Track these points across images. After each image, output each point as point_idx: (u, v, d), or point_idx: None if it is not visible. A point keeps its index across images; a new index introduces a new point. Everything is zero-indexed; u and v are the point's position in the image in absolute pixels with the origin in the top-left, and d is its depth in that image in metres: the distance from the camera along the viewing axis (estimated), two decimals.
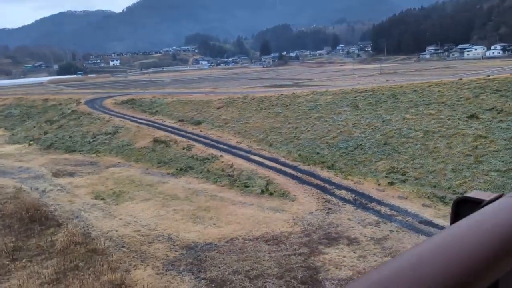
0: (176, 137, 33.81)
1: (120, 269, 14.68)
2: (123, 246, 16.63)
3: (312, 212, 19.15)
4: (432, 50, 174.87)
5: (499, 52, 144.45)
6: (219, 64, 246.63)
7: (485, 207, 0.86)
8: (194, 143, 31.93)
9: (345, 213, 18.91)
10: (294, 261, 14.69)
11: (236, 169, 25.79)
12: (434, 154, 23.65)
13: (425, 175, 22.16)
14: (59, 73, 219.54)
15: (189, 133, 35.64)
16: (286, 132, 31.90)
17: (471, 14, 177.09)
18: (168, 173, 27.60)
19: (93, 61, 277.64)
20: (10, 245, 16.94)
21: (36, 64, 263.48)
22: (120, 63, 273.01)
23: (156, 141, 33.27)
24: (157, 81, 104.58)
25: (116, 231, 18.25)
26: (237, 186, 23.70)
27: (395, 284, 0.57)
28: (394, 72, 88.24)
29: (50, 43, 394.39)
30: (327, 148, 27.97)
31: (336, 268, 14.11)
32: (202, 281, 13.79)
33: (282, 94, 40.43)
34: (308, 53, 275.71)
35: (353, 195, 21.08)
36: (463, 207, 0.91)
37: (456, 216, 0.91)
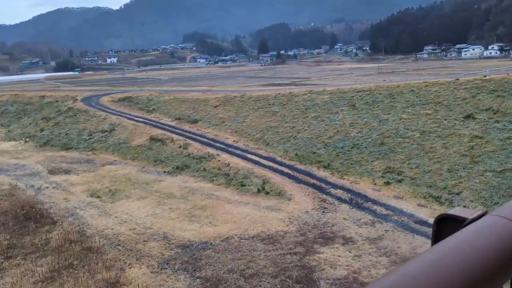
0: (173, 135, 33.74)
1: (115, 268, 14.65)
2: (118, 244, 16.60)
3: (308, 212, 19.16)
4: (430, 50, 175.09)
5: (496, 52, 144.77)
6: (216, 62, 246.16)
7: (468, 227, 0.82)
8: (190, 141, 31.89)
9: (341, 213, 18.92)
10: (290, 260, 14.69)
11: (233, 168, 25.77)
12: (430, 154, 23.70)
13: (421, 175, 22.20)
14: (56, 70, 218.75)
15: (186, 131, 35.58)
16: (283, 131, 31.89)
17: (469, 14, 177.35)
18: (164, 172, 27.56)
19: (90, 58, 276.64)
20: (4, 243, 16.88)
21: (33, 61, 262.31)
22: (117, 61, 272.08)
23: (152, 139, 33.21)
24: (154, 79, 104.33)
25: (112, 229, 18.21)
26: (234, 185, 23.68)
27: None
28: (392, 72, 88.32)
29: (47, 40, 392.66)
30: (324, 147, 27.98)
31: (331, 267, 14.12)
32: (197, 280, 13.78)
33: (279, 93, 40.41)
34: (306, 52, 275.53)
35: (349, 195, 21.10)
36: (445, 225, 0.88)
37: (438, 235, 0.88)
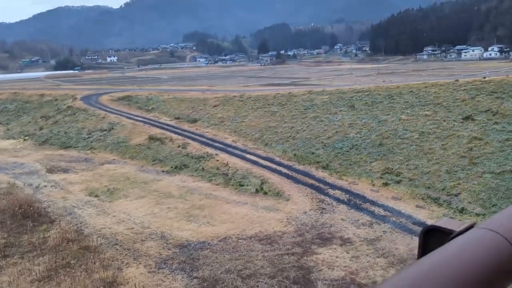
0: (172, 134, 33.72)
1: (112, 267, 14.63)
2: (116, 244, 16.57)
3: (306, 212, 19.14)
4: (430, 51, 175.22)
5: (496, 54, 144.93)
6: (216, 62, 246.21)
7: (456, 239, 0.80)
8: (189, 141, 31.86)
9: (339, 213, 18.91)
10: (287, 261, 14.67)
11: (231, 168, 25.75)
12: (429, 155, 23.68)
13: (419, 176, 22.19)
14: (56, 68, 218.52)
15: (185, 131, 35.55)
16: (281, 132, 31.87)
17: (469, 15, 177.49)
18: (163, 171, 27.53)
19: (90, 57, 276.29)
20: (1, 242, 16.84)
21: (33, 59, 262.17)
22: (117, 59, 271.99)
23: (151, 138, 33.18)
24: (154, 78, 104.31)
25: (109, 228, 18.18)
26: (232, 185, 23.66)
27: None
28: (391, 72, 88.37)
29: (47, 38, 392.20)
30: (323, 148, 27.96)
31: (329, 268, 14.11)
32: (194, 280, 13.76)
33: (278, 93, 40.39)
34: (306, 52, 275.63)
35: (347, 196, 21.09)
36: (431, 237, 0.86)
37: (425, 246, 0.86)
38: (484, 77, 33.35)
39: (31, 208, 20.37)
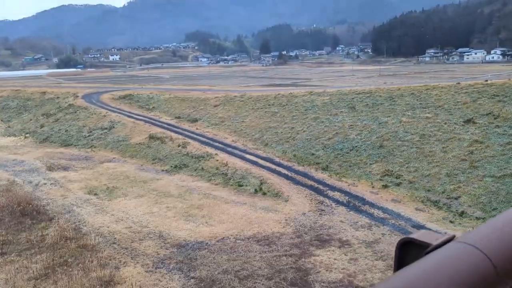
0: (172, 134, 33.69)
1: (110, 266, 14.59)
2: (113, 243, 16.54)
3: (305, 213, 19.08)
4: (432, 53, 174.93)
5: (498, 57, 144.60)
6: (218, 62, 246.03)
7: (432, 254, 0.75)
8: (189, 140, 31.82)
9: (338, 215, 18.84)
10: (285, 262, 14.62)
11: (231, 168, 25.71)
12: (429, 158, 23.61)
13: (419, 178, 22.11)
14: (58, 66, 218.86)
15: (185, 130, 35.52)
16: (282, 132, 31.82)
17: (471, 18, 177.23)
18: (162, 170, 27.50)
19: (92, 55, 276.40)
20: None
21: (35, 57, 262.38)
22: (119, 58, 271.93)
23: (151, 137, 33.15)
24: (156, 77, 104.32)
25: (108, 227, 18.16)
26: (231, 185, 23.62)
27: None
28: (393, 74, 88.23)
29: (50, 36, 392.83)
30: (323, 149, 27.89)
31: (327, 270, 14.05)
32: (191, 280, 13.71)
33: (279, 94, 40.34)
34: (308, 53, 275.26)
35: (347, 197, 21.02)
36: (408, 250, 0.81)
37: (400, 260, 0.82)
38: (486, 80, 33.27)
39: (30, 205, 20.36)
